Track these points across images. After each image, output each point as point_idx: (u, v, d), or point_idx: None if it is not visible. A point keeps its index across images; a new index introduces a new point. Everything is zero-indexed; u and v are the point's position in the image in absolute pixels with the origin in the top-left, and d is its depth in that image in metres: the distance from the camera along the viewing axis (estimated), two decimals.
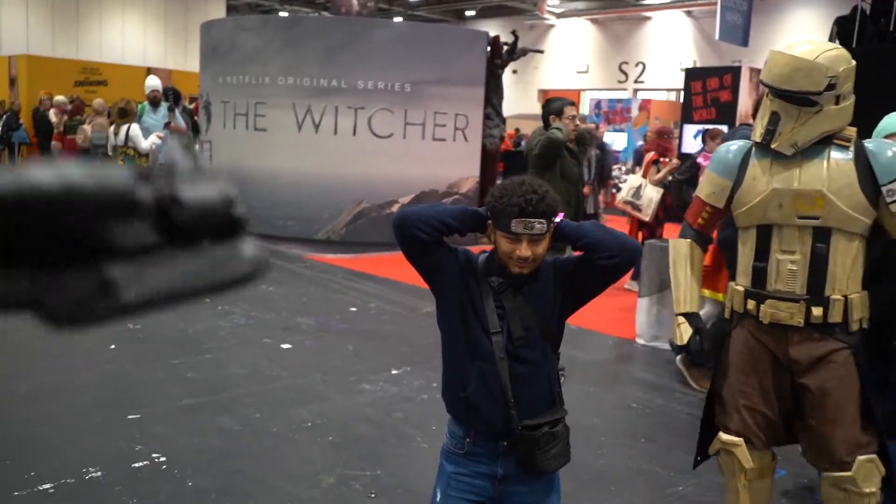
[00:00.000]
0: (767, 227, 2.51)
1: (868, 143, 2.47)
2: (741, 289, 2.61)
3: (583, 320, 5.74)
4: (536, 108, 24.10)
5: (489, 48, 10.70)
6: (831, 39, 8.44)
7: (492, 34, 11.14)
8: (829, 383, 2.44)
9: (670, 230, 5.09)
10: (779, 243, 2.49)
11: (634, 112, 19.74)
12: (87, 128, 11.10)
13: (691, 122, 13.19)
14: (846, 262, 2.44)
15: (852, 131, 2.48)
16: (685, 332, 2.76)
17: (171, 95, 10.50)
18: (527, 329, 2.12)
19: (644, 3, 24.20)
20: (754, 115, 4.60)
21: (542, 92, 26.84)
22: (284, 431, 3.91)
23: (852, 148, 2.44)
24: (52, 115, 13.58)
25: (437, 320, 2.22)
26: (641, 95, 23.01)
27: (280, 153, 10.00)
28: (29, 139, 14.45)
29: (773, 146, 2.45)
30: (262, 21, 11.80)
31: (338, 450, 3.74)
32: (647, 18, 24.70)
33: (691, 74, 14.18)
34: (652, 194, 7.21)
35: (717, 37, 17.28)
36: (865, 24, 8.11)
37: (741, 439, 2.60)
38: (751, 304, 2.57)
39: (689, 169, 8.04)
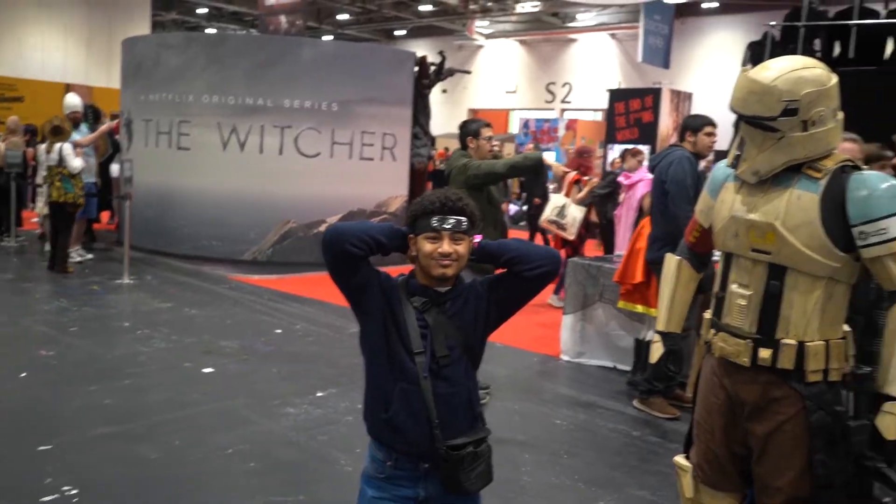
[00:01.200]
0: (729, 256, 2.36)
1: (852, 177, 2.14)
2: (707, 317, 2.49)
3: (507, 337, 5.80)
4: None
5: (417, 68, 10.76)
6: (744, 64, 8.79)
7: (420, 54, 11.22)
8: (775, 434, 2.24)
9: (592, 248, 5.18)
10: (735, 274, 2.32)
11: (561, 131, 20.13)
12: (0, 146, 10.69)
13: (615, 141, 13.52)
14: (805, 305, 2.19)
15: (830, 161, 2.19)
16: (656, 352, 2.72)
17: (91, 114, 10.22)
18: (450, 348, 2.13)
19: (570, 25, 24.73)
20: (681, 137, 4.78)
21: (472, 111, 27.08)
22: (205, 458, 3.82)
23: (824, 181, 2.16)
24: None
25: (359, 342, 2.21)
26: (568, 115, 23.47)
27: (204, 172, 9.82)
28: None
29: (737, 173, 2.30)
30: (187, 38, 11.61)
31: (260, 476, 3.66)
32: (573, 41, 25.25)
33: (615, 95, 14.55)
34: (576, 213, 7.35)
35: (639, 59, 17.82)
36: (775, 50, 8.47)
37: (689, 468, 2.51)
38: (710, 334, 2.43)
39: (610, 184, 8.25)
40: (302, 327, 6.60)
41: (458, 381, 2.17)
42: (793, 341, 2.20)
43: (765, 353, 2.22)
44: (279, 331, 6.44)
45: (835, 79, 2.20)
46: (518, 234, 7.37)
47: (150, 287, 7.91)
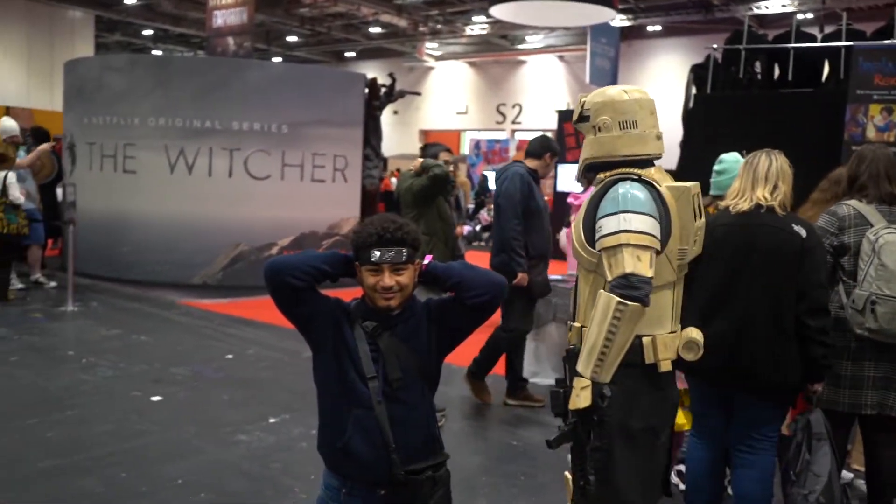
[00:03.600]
0: None
1: (616, 185, 2.39)
2: None
3: (460, 358, 5.76)
4: (417, 149, 24.40)
5: (367, 90, 10.76)
6: (688, 86, 9.00)
7: (371, 76, 11.22)
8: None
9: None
10: None
11: (512, 151, 20.32)
12: None
13: (565, 161, 13.67)
14: (584, 294, 2.45)
15: (610, 173, 2.44)
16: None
17: (30, 136, 9.96)
18: (404, 370, 2.12)
19: (519, 47, 25.05)
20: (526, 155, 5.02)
21: (423, 132, 27.21)
22: (153, 491, 3.70)
23: (596, 188, 2.47)
24: None
25: (312, 370, 2.18)
26: (519, 136, 23.74)
27: (151, 196, 9.63)
28: None
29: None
30: (131, 60, 11.43)
31: None
32: (522, 62, 25.58)
33: (564, 116, 14.73)
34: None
35: (587, 80, 18.12)
36: (718, 72, 8.70)
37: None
38: None
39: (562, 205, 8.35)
40: (254, 352, 6.49)
41: (415, 404, 2.15)
42: (577, 324, 2.49)
43: (570, 335, 2.53)
44: (230, 356, 6.31)
45: (635, 96, 2.46)
46: (477, 255, 7.36)
47: (95, 314, 7.70)
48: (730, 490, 3.31)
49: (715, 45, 9.00)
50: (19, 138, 8.97)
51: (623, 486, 2.35)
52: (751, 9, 16.80)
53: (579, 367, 2.29)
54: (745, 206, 2.99)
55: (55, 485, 3.70)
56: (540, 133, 5.92)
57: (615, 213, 2.30)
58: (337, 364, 2.15)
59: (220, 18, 16.14)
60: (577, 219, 2.50)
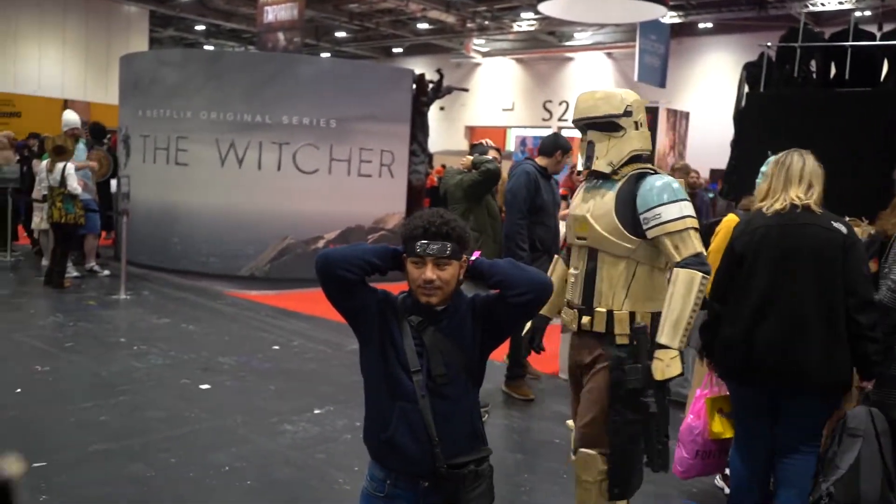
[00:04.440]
0: (570, 246, 2.96)
1: (644, 178, 2.75)
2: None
3: (502, 354, 5.77)
4: (463, 145, 24.40)
5: (415, 86, 10.80)
6: (741, 84, 8.85)
7: (418, 72, 11.26)
8: (589, 385, 2.80)
9: None
10: (572, 259, 2.94)
11: None
12: None
13: None
14: (612, 279, 2.75)
15: (629, 169, 2.80)
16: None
17: (90, 130, 10.21)
18: (447, 365, 2.12)
19: (566, 44, 24.88)
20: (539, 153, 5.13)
21: (469, 128, 27.20)
22: (201, 477, 3.78)
23: (622, 181, 2.78)
24: None
25: (359, 362, 2.21)
26: (565, 133, 23.55)
27: (202, 188, 9.81)
28: None
29: (593, 168, 2.83)
30: (185, 55, 11.65)
31: (257, 495, 3.63)
32: (570, 59, 25.39)
33: None
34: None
35: (635, 78, 17.91)
36: (772, 70, 8.52)
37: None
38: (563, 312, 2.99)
39: None
40: (299, 344, 6.57)
41: (458, 399, 2.16)
42: (603, 309, 2.75)
43: (585, 319, 2.78)
44: (276, 347, 6.41)
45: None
46: None
47: (147, 302, 7.88)
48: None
49: (769, 43, 8.82)
50: (80, 131, 9.22)
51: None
52: (806, 6, 16.43)
53: (665, 340, 2.58)
54: (778, 206, 2.97)
55: (107, 468, 3.81)
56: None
57: (675, 202, 2.65)
58: (383, 357, 2.16)
59: (271, 14, 16.37)
60: (595, 211, 2.78)
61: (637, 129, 2.80)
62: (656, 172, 2.79)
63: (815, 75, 8.58)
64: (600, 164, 2.82)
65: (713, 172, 14.37)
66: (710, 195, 10.64)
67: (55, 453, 3.93)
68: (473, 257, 2.19)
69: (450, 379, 2.13)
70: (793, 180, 2.98)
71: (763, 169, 3.76)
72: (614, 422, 2.70)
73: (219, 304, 8.07)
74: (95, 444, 4.07)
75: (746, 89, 8.95)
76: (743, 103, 8.96)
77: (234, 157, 9.74)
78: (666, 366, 2.57)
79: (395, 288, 2.19)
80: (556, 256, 3.25)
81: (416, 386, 2.11)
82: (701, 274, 2.59)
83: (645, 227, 2.68)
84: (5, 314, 7.07)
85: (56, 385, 5.05)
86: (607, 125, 2.82)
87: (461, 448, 2.14)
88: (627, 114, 2.79)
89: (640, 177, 2.76)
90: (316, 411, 4.82)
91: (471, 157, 5.10)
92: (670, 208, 2.65)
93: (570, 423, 3.08)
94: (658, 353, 2.59)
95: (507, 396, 5.35)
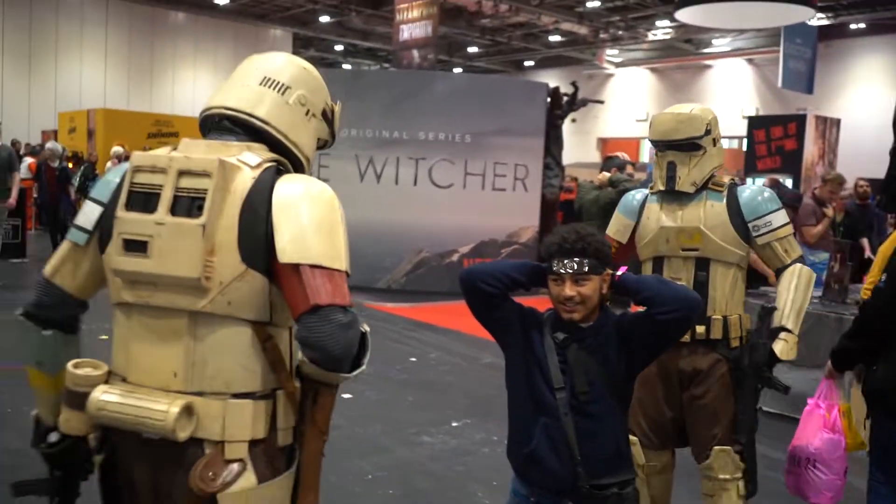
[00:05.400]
0: (660, 259, 2.96)
1: (739, 189, 2.92)
2: None
3: None
4: (595, 157, 24.09)
5: (549, 99, 10.78)
6: None
7: (552, 85, 11.24)
8: (709, 392, 2.84)
9: None
10: (669, 271, 2.93)
11: None
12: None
13: (755, 170, 12.98)
14: (724, 287, 2.87)
15: (725, 179, 2.97)
16: None
17: None
18: (591, 384, 2.11)
19: (704, 51, 24.11)
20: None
21: (602, 140, 26.84)
22: (343, 483, 3.91)
23: (725, 192, 2.89)
24: (109, 166, 14.13)
25: (504, 376, 2.23)
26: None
27: (342, 202, 10.07)
28: None
29: (676, 188, 2.89)
30: (328, 74, 11.98)
31: (400, 503, 3.72)
32: (708, 67, 24.59)
33: (754, 123, 14.01)
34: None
35: (779, 84, 17.12)
36: None
37: (636, 438, 2.93)
38: None
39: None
40: (436, 356, 6.69)
41: (602, 418, 2.14)
42: (719, 316, 2.85)
43: (700, 329, 2.81)
44: (413, 359, 6.55)
45: None
46: None
47: None
48: None
49: None
50: None
51: None
52: None
53: (791, 326, 2.78)
54: None
55: None
56: (726, 139, 5.83)
57: (780, 209, 2.86)
58: (526, 372, 2.18)
59: (406, 32, 16.79)
60: (708, 222, 2.86)
61: (715, 145, 2.92)
62: (735, 182, 3.03)
63: None
64: (684, 185, 2.89)
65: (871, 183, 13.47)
66: None
67: None
68: (620, 272, 2.17)
69: (594, 397, 2.11)
70: None
71: None
72: (742, 420, 2.83)
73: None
74: None
75: None
76: None
77: (373, 172, 10.05)
78: (790, 348, 2.75)
79: (541, 303, 2.20)
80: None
81: (560, 403, 2.11)
82: (813, 275, 2.87)
83: (755, 233, 2.84)
84: None
85: None
86: (689, 146, 2.89)
87: (605, 469, 2.11)
88: (707, 133, 2.89)
89: (732, 187, 2.95)
90: (454, 424, 4.89)
91: (607, 174, 5.04)
92: (778, 215, 2.84)
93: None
94: (784, 336, 2.75)
95: None
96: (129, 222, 1.62)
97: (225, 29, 22.88)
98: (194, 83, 22.58)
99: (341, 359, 1.62)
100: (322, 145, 1.97)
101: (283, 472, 1.69)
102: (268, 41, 23.95)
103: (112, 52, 21.33)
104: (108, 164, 14.23)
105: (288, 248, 1.62)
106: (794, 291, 2.81)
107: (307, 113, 1.87)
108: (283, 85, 1.82)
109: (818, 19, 17.48)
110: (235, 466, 1.61)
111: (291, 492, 1.69)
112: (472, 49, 26.44)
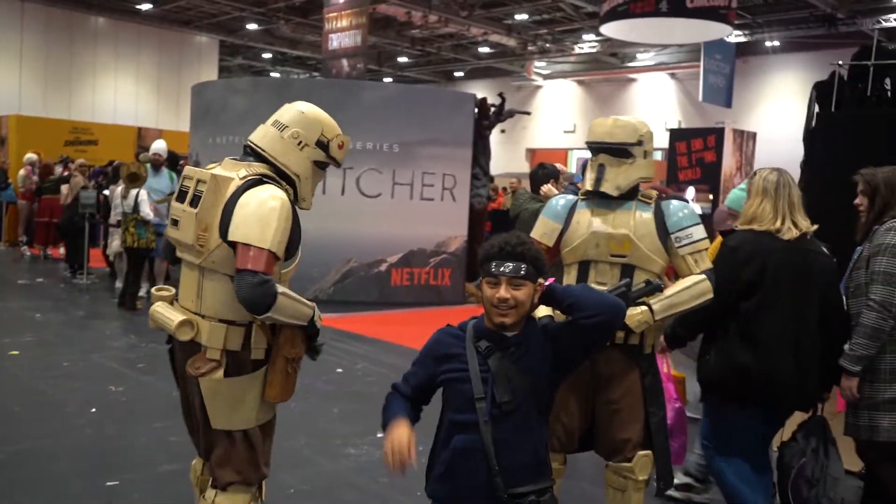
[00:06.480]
0: (586, 263, 3.03)
1: (664, 203, 3.05)
2: None
3: None
4: (525, 167, 24.37)
5: (477, 109, 10.86)
6: (810, 103, 8.63)
7: (480, 95, 11.33)
8: (625, 397, 2.94)
9: None
10: (595, 276, 3.01)
11: None
12: (69, 186, 11.19)
13: (676, 181, 13.33)
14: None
15: (653, 193, 3.08)
16: None
17: (168, 159, 10.53)
18: (513, 392, 2.11)
19: (629, 65, 24.71)
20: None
21: (530, 151, 27.18)
22: (269, 499, 3.81)
23: (652, 205, 3.02)
24: (22, 175, 13.60)
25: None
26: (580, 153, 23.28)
27: None
28: (17, 198, 14.39)
29: (601, 189, 2.99)
30: (253, 83, 11.97)
31: None
32: (633, 80, 25.19)
33: (676, 135, 14.38)
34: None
35: (700, 98, 17.66)
36: (843, 89, 8.29)
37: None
38: None
39: None
40: (363, 367, 6.62)
41: (523, 427, 2.15)
42: None
43: (620, 334, 2.89)
44: (340, 370, 6.47)
45: None
46: None
47: None
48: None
49: (840, 62, 8.59)
50: (161, 158, 9.42)
51: None
52: (879, 22, 15.98)
53: (657, 308, 2.89)
54: (794, 232, 3.09)
55: (179, 486, 3.88)
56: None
57: (699, 224, 2.99)
58: (449, 387, 2.20)
59: (336, 41, 16.70)
60: (637, 231, 2.96)
61: (645, 157, 3.03)
62: (662, 196, 3.16)
63: (889, 94, 8.31)
64: (609, 187, 2.99)
65: None
66: None
67: (127, 472, 4.03)
68: (548, 283, 2.19)
69: (515, 406, 2.12)
70: (796, 205, 3.13)
71: (743, 186, 3.70)
72: (654, 422, 2.96)
73: None
74: (165, 465, 4.17)
75: (817, 109, 8.71)
76: (813, 123, 8.72)
77: None
78: (643, 321, 2.85)
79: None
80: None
81: (479, 413, 2.11)
82: (711, 290, 2.93)
83: (677, 244, 2.95)
84: (81, 335, 7.33)
85: (129, 405, 5.19)
86: (620, 151, 2.99)
87: (523, 477, 2.12)
88: (639, 143, 3.00)
89: (659, 200, 3.06)
90: (379, 435, 4.79)
91: (553, 189, 5.02)
92: (698, 229, 2.97)
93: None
94: (644, 309, 2.85)
95: None
96: (174, 208, 2.63)
97: (148, 35, 22.29)
98: (115, 90, 21.93)
99: (249, 306, 2.37)
100: (326, 164, 2.78)
101: (248, 374, 2.57)
102: (193, 48, 23.46)
103: (27, 56, 20.52)
104: (21, 171, 13.70)
105: (232, 229, 2.43)
106: (681, 291, 2.92)
107: (299, 143, 2.65)
108: (282, 125, 2.65)
109: (735, 36, 18.14)
110: (213, 364, 2.51)
111: (260, 389, 2.63)
112: (403, 59, 26.47)
